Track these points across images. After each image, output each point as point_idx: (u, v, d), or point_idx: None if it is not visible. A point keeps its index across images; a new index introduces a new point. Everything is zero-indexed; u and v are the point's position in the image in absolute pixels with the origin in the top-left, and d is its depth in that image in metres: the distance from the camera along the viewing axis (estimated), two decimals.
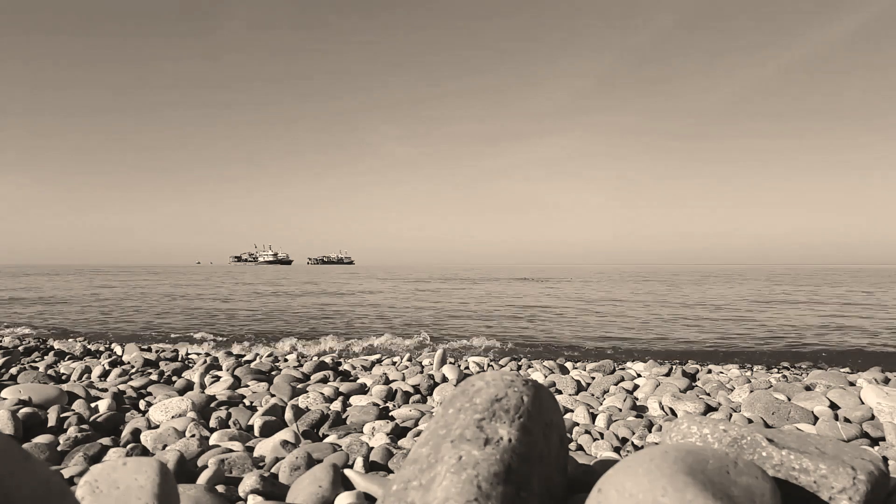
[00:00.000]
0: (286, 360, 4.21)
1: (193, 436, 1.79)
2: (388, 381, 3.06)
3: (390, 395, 2.68)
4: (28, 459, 0.72)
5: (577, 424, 2.10)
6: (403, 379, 3.13)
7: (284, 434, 1.81)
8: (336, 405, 2.41)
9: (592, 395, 2.86)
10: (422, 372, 3.42)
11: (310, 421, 2.06)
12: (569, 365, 3.98)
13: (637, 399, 2.69)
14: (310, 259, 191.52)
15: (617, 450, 1.83)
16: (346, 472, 1.31)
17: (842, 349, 6.08)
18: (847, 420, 2.10)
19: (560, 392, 2.94)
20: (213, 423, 2.06)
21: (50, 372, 3.36)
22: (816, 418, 2.13)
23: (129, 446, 1.66)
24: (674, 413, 2.39)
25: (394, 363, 4.05)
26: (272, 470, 1.43)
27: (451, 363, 3.92)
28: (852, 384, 2.80)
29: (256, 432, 1.98)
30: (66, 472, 1.36)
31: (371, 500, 1.20)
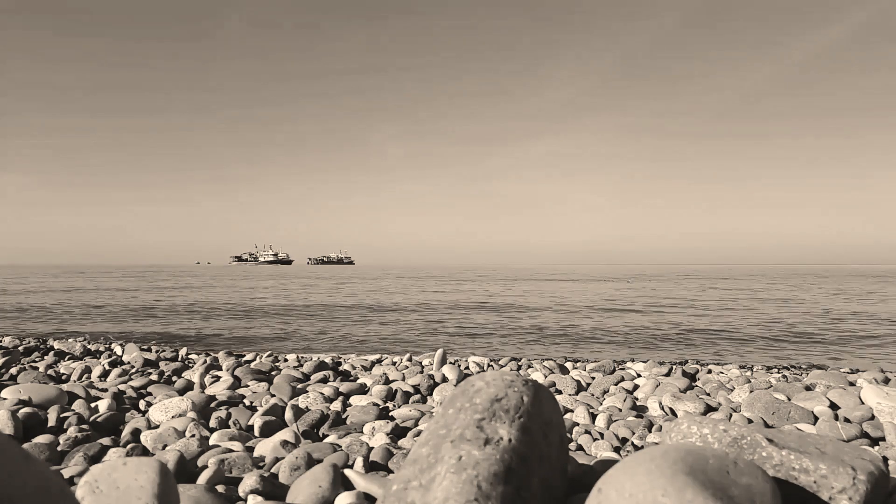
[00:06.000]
0: (286, 360, 4.21)
1: (193, 436, 1.79)
2: (388, 381, 3.06)
3: (390, 395, 2.68)
4: (28, 459, 0.72)
5: (577, 424, 2.10)
6: (403, 379, 3.13)
7: (284, 434, 1.81)
8: (336, 405, 2.41)
9: (592, 395, 2.86)
10: (422, 372, 3.42)
11: (310, 421, 2.06)
12: (569, 365, 3.97)
13: (637, 399, 2.69)
14: (310, 259, 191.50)
15: (617, 450, 1.83)
16: (346, 472, 1.31)
17: (842, 349, 6.08)
18: (847, 420, 2.10)
19: (560, 392, 2.94)
20: (213, 423, 2.06)
21: (50, 372, 3.36)
22: (816, 418, 2.13)
23: (129, 446, 1.66)
24: (674, 413, 2.39)
25: (394, 363, 4.05)
26: (272, 470, 1.43)
27: (450, 363, 3.92)
28: (852, 384, 2.80)
29: (256, 432, 1.98)
30: (66, 472, 1.36)
31: (371, 500, 1.20)
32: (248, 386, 2.92)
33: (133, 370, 3.47)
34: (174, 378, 3.20)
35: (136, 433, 1.85)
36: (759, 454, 1.06)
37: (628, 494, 0.80)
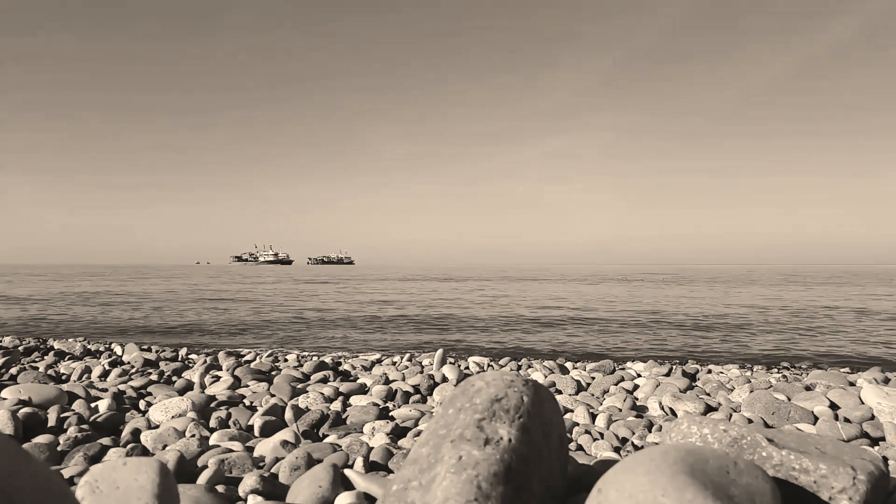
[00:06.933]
0: (286, 360, 4.21)
1: (193, 436, 1.79)
2: (388, 381, 3.06)
3: (390, 395, 2.68)
4: (28, 459, 0.72)
5: (577, 424, 2.10)
6: (403, 379, 3.13)
7: (284, 434, 1.81)
8: (336, 405, 2.41)
9: (592, 395, 2.86)
10: (422, 372, 3.42)
11: (310, 421, 2.06)
12: (569, 365, 3.98)
13: (637, 399, 2.69)
14: (310, 259, 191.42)
15: (617, 450, 1.83)
16: (346, 472, 1.31)
17: (842, 349, 6.08)
18: (847, 420, 2.10)
19: (560, 392, 2.94)
20: (213, 423, 2.06)
21: (50, 372, 3.36)
22: (816, 418, 2.13)
23: (129, 446, 1.66)
24: (674, 413, 2.39)
25: (394, 363, 4.05)
26: (272, 470, 1.43)
27: (450, 363, 3.92)
28: (852, 384, 2.80)
29: (256, 432, 1.98)
30: (66, 472, 1.36)
31: (371, 500, 1.20)
32: (248, 386, 2.92)
33: (133, 370, 3.47)
34: (174, 378, 3.20)
35: (136, 433, 1.85)
36: (759, 454, 1.06)
37: (628, 494, 0.80)
